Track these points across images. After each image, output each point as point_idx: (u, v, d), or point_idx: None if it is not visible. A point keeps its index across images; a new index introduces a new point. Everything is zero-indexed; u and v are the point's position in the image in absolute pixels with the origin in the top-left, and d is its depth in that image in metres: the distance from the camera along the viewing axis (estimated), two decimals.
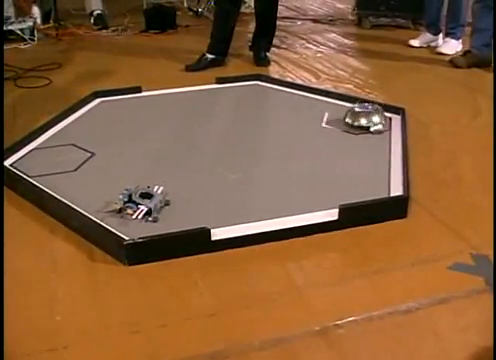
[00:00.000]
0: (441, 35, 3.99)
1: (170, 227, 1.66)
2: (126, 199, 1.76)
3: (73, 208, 1.76)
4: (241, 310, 1.40)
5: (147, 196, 1.79)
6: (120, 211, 1.76)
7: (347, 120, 2.48)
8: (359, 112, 2.48)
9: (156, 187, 1.85)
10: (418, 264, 1.58)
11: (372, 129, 2.41)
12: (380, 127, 2.42)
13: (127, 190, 1.78)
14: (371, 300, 1.43)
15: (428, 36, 4.03)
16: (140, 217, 1.73)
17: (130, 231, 1.66)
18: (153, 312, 1.40)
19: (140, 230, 1.66)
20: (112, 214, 1.76)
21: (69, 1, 4.83)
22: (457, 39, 3.85)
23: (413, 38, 4.08)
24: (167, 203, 1.82)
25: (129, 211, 1.75)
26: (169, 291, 1.48)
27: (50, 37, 4.25)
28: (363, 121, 2.44)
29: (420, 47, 4.01)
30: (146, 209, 1.74)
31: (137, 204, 1.76)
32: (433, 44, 4.01)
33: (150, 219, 1.74)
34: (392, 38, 4.28)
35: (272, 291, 1.47)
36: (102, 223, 1.68)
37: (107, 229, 1.66)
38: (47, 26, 4.40)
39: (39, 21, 4.32)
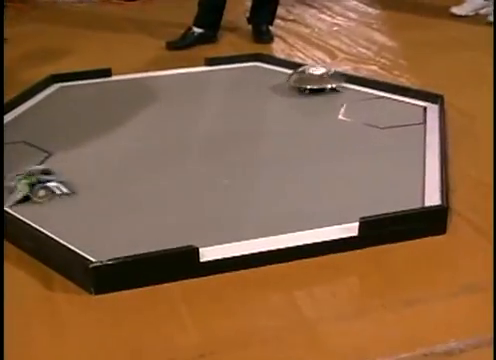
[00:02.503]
0: None
1: (148, 246, 1.67)
2: (29, 181, 1.87)
3: (25, 223, 1.78)
4: (236, 351, 1.42)
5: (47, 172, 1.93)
6: (28, 198, 1.87)
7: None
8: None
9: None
10: (460, 293, 1.59)
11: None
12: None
13: (20, 174, 1.90)
14: (400, 338, 1.45)
15: (476, 1, 4.02)
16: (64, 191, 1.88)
17: (98, 251, 1.68)
18: (126, 353, 1.41)
19: (110, 250, 1.68)
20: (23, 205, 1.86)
21: None
22: None
23: (456, 4, 4.08)
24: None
25: (41, 193, 1.87)
26: (146, 326, 1.49)
27: None
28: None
29: (466, 16, 4.01)
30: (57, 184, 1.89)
31: (44, 182, 1.88)
32: (483, 11, 3.99)
33: (65, 191, 1.88)
34: (429, 5, 4.31)
35: (276, 327, 1.49)
36: (62, 241, 1.70)
37: (69, 249, 1.67)
38: None
39: None
